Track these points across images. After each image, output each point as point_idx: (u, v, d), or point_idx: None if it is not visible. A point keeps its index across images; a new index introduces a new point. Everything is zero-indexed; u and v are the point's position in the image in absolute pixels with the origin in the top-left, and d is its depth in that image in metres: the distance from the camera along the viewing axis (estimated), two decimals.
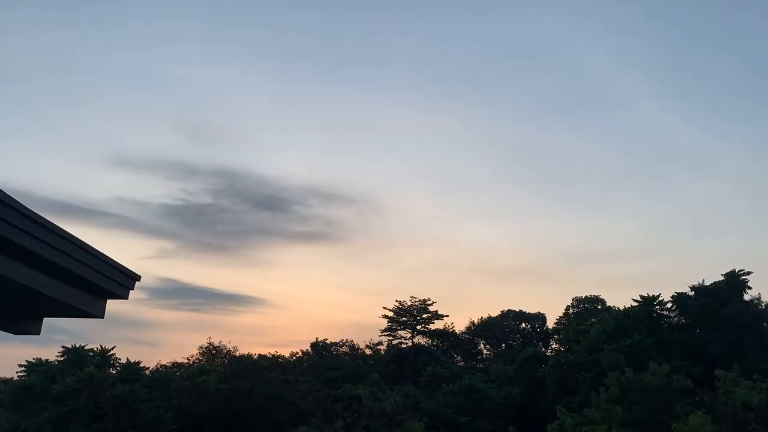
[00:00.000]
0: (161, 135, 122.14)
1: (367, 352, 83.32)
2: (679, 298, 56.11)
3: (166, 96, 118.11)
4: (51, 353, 52.67)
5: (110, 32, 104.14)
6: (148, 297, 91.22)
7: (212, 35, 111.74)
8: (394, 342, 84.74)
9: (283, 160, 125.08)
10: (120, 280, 5.31)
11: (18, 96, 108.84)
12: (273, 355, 61.50)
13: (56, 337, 53.58)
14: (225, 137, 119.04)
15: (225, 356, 66.44)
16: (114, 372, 50.88)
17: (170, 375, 53.98)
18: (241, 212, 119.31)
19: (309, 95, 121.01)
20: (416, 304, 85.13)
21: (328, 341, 79.04)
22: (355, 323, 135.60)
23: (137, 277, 5.53)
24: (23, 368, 50.50)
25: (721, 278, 54.54)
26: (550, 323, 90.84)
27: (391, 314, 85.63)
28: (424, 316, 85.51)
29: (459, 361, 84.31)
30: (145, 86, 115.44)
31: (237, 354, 64.87)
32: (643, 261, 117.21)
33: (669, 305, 56.96)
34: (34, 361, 50.73)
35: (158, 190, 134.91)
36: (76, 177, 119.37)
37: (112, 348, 53.75)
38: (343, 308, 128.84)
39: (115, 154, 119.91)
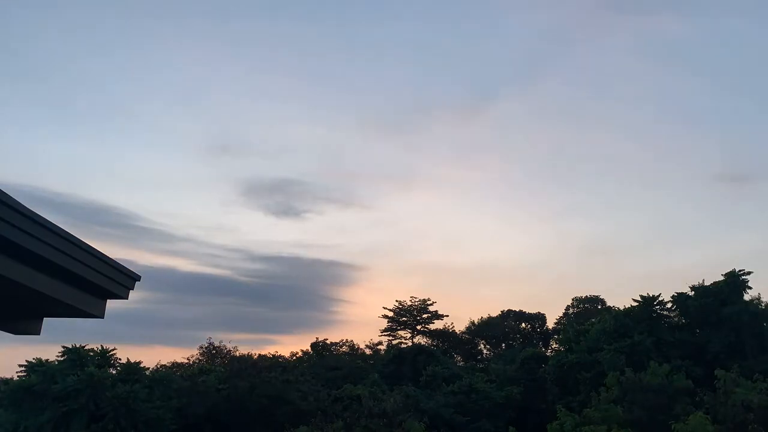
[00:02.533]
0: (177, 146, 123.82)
1: (367, 352, 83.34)
2: (679, 298, 56.12)
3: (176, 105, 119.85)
4: (51, 353, 52.64)
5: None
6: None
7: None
8: (394, 342, 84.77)
9: (290, 162, 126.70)
10: (120, 280, 5.31)
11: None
12: (273, 355, 61.56)
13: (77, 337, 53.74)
14: (237, 145, 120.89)
15: (225, 356, 66.43)
16: (114, 372, 50.83)
17: (170, 375, 53.92)
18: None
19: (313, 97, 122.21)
20: (416, 304, 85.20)
21: (328, 341, 79.10)
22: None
23: (137, 277, 5.53)
24: (23, 368, 50.48)
25: (721, 278, 54.56)
26: (550, 323, 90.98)
27: (391, 314, 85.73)
28: (424, 316, 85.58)
29: (459, 361, 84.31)
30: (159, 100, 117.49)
31: (237, 354, 64.92)
32: (645, 259, 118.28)
33: (669, 305, 57.00)
34: (34, 361, 50.68)
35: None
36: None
37: (113, 348, 53.74)
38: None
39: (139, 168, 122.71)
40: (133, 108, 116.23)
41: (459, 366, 74.10)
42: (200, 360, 66.87)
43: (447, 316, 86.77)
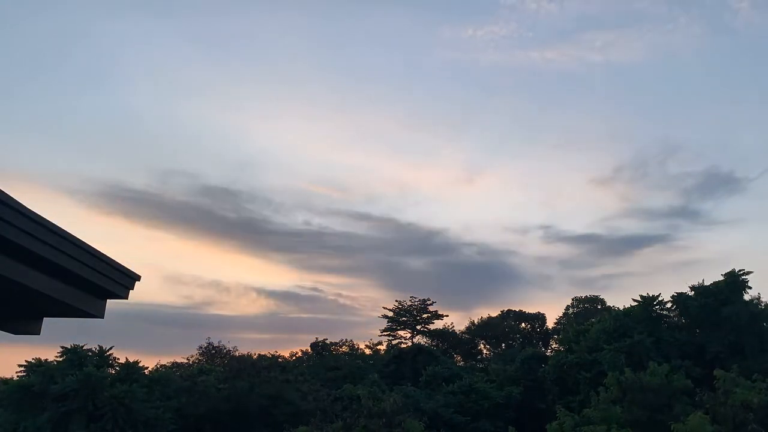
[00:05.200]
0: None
1: (367, 351, 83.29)
2: (679, 298, 56.09)
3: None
4: (52, 353, 52.61)
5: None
6: None
7: None
8: (394, 342, 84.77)
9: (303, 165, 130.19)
10: (120, 280, 5.29)
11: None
12: (273, 355, 61.52)
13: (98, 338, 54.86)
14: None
15: (225, 356, 66.38)
16: (113, 372, 50.81)
17: (170, 375, 53.95)
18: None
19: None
20: (416, 304, 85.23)
21: (327, 341, 79.04)
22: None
23: (137, 277, 5.51)
24: (22, 368, 50.48)
25: (721, 278, 54.53)
26: (550, 323, 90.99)
27: (391, 314, 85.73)
28: (424, 316, 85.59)
29: (459, 361, 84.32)
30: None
31: (236, 354, 64.85)
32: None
33: (669, 305, 56.99)
34: (33, 361, 50.67)
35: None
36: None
37: (110, 348, 53.68)
38: None
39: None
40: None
41: (459, 366, 74.09)
42: (200, 360, 66.84)
43: (447, 315, 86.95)
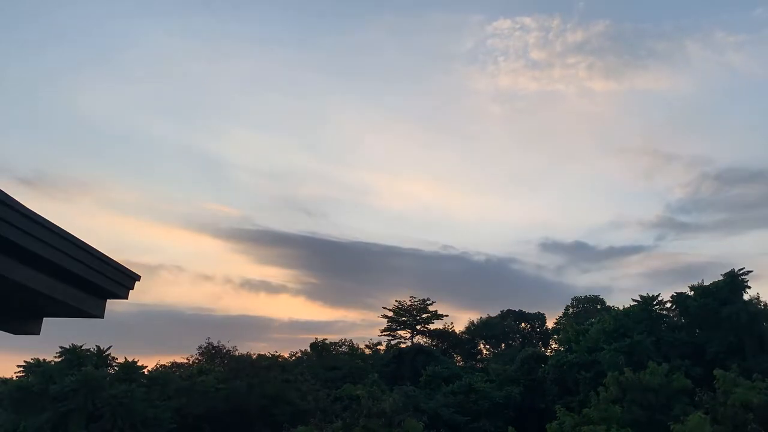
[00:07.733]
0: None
1: (367, 351, 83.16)
2: (678, 298, 56.12)
3: None
4: (51, 353, 52.55)
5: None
6: None
7: None
8: (394, 342, 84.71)
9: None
10: (120, 280, 5.28)
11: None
12: (272, 355, 61.37)
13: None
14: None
15: (224, 356, 66.26)
16: (112, 372, 50.78)
17: (169, 375, 53.89)
18: None
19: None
20: (416, 303, 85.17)
21: (327, 341, 78.95)
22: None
23: (137, 277, 5.49)
24: (22, 368, 50.47)
25: (721, 278, 54.55)
26: (550, 323, 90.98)
27: (390, 314, 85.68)
28: (424, 315, 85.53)
29: (459, 361, 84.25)
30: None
31: (236, 354, 64.74)
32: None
33: (668, 305, 57.02)
34: (32, 361, 50.64)
35: None
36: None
37: (108, 348, 53.65)
38: None
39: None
40: None
41: (458, 366, 74.04)
42: (199, 360, 66.70)
43: (446, 315, 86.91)
